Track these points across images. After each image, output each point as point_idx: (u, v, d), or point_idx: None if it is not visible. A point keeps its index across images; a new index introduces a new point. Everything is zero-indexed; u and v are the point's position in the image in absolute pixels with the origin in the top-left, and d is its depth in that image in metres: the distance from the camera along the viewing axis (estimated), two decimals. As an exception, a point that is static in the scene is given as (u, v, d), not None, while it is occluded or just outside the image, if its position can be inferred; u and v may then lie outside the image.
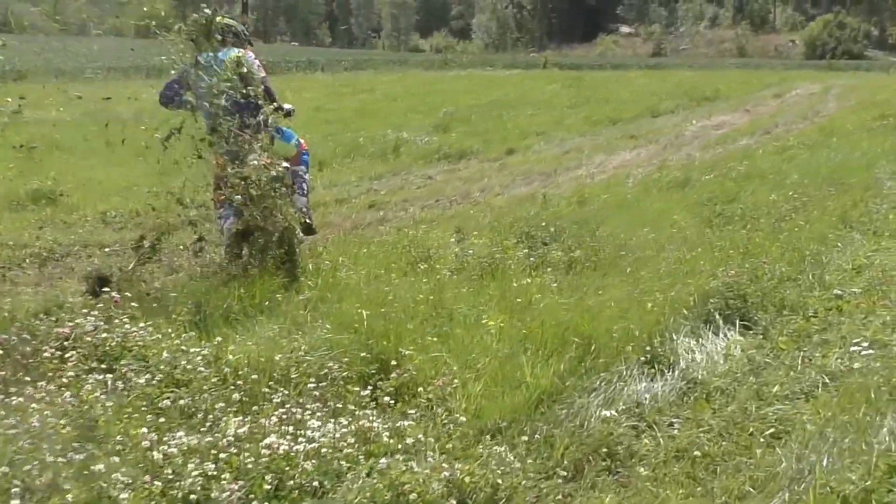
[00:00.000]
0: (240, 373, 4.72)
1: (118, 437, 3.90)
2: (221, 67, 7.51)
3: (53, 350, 4.86)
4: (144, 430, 3.95)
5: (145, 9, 8.31)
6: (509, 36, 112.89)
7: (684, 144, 17.14)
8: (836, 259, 8.11)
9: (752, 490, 4.06)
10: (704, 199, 10.54)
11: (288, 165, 7.60)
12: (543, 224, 8.69)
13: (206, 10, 7.75)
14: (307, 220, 8.11)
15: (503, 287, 6.52)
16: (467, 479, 3.80)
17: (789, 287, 7.14)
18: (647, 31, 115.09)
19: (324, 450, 3.91)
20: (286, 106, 8.23)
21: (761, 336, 6.18)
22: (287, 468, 3.76)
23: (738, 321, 6.29)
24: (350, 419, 4.25)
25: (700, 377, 5.30)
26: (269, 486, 3.65)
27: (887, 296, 7.08)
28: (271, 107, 7.73)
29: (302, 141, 8.71)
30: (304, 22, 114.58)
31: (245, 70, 7.56)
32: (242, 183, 6.91)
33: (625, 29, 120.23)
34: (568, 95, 26.23)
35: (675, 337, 5.75)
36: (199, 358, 4.81)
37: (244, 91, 7.44)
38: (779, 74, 41.91)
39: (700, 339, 5.89)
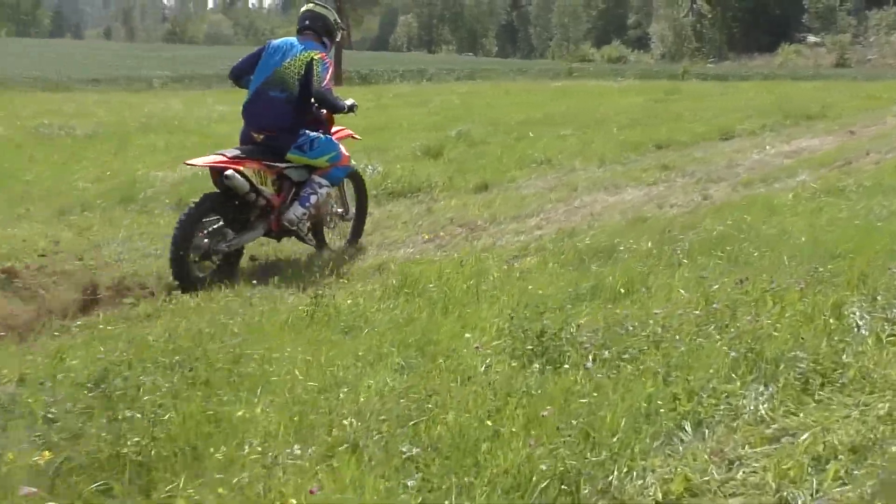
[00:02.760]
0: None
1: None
2: (288, 58, 7.55)
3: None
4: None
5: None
6: (686, 46, 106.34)
7: (722, 179, 12.51)
8: (654, 472, 3.83)
9: None
10: (582, 290, 6.28)
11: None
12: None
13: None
14: (295, 230, 7.77)
15: None
16: None
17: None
18: (832, 40, 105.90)
19: None
20: (347, 102, 7.91)
21: None
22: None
23: None
24: None
25: None
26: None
27: None
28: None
29: (344, 156, 8.14)
30: (471, 31, 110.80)
31: (316, 73, 7.47)
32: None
33: (812, 39, 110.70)
34: (638, 111, 21.46)
35: None
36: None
37: (300, 97, 7.55)
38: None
39: None
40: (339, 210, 8.43)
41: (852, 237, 7.71)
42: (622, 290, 6.29)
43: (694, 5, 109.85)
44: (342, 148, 8.14)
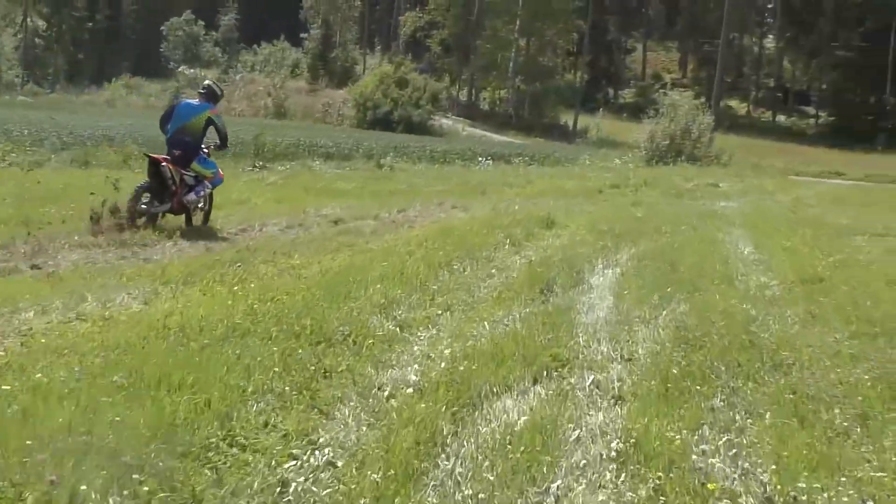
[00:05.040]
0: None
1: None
2: (195, 115, 12.19)
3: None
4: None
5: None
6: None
7: None
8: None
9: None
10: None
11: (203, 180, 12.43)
12: None
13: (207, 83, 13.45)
14: (187, 207, 12.21)
15: None
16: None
17: None
18: (192, 76, 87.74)
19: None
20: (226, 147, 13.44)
21: None
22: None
23: None
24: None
25: None
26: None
27: None
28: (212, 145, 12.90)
29: (220, 172, 13.07)
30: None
31: (217, 124, 12.35)
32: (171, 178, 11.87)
33: (190, 71, 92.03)
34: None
35: None
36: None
37: (202, 137, 12.46)
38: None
39: None
40: (201, 205, 12.67)
41: None
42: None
43: (28, 21, 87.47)
44: (219, 168, 13.03)
